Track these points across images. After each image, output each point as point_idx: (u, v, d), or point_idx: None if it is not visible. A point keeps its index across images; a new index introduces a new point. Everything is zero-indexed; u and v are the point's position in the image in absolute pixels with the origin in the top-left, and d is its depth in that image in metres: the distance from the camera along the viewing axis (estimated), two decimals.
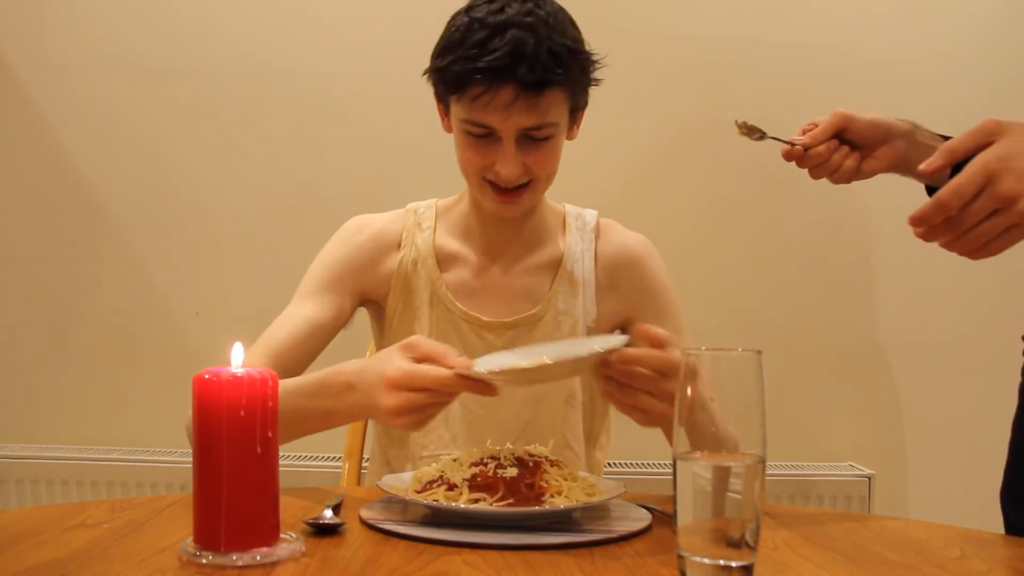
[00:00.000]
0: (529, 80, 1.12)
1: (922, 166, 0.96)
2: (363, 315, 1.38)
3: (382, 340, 1.35)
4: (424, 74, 1.23)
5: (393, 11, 2.19)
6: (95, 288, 2.20)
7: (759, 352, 0.73)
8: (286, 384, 1.10)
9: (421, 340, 0.98)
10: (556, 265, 1.32)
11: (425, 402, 0.95)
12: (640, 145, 2.20)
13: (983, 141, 0.91)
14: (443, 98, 1.24)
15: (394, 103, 2.15)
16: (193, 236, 2.20)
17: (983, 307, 2.29)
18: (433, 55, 1.22)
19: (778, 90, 2.24)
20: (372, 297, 1.34)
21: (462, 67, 1.14)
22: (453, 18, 1.21)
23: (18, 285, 2.20)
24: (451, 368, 0.93)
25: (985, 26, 2.28)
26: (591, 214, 1.38)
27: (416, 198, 1.39)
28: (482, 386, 0.92)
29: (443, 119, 1.27)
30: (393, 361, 0.96)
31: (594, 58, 1.22)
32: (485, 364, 0.94)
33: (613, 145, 2.15)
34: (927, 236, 0.93)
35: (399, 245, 1.33)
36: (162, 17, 2.19)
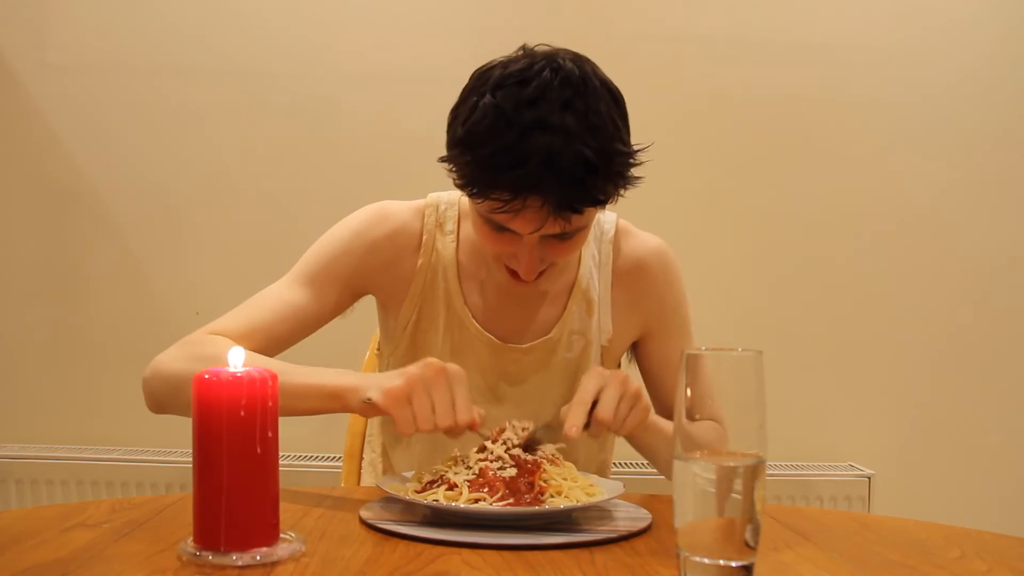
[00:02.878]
0: (560, 202, 1.01)
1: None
2: (362, 311, 1.36)
3: (391, 339, 1.30)
4: (440, 160, 1.09)
5: (393, 11, 2.19)
6: (95, 288, 2.20)
7: (759, 352, 0.73)
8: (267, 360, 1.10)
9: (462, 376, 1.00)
10: (571, 285, 1.26)
11: (426, 410, 0.97)
12: (640, 144, 2.20)
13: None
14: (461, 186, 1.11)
15: (394, 103, 2.15)
16: (193, 236, 2.20)
17: (983, 307, 2.29)
18: (452, 136, 1.08)
19: (778, 90, 2.25)
20: (382, 297, 1.29)
21: (481, 173, 1.03)
22: (476, 87, 1.06)
23: (18, 285, 2.20)
24: (457, 427, 0.98)
25: (986, 25, 2.28)
26: (610, 220, 1.31)
27: (417, 198, 1.36)
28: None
29: (462, 190, 1.12)
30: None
31: (635, 158, 1.09)
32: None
33: None
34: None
35: (419, 247, 1.25)
36: (162, 17, 2.19)
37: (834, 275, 2.27)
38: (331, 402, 1.05)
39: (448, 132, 1.09)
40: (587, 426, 1.03)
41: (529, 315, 1.25)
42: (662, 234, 1.37)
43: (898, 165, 2.27)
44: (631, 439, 1.19)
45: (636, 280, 1.28)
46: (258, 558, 0.78)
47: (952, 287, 2.29)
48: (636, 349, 1.33)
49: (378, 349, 1.38)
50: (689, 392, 0.73)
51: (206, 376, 0.79)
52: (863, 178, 2.26)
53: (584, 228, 1.11)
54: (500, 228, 1.09)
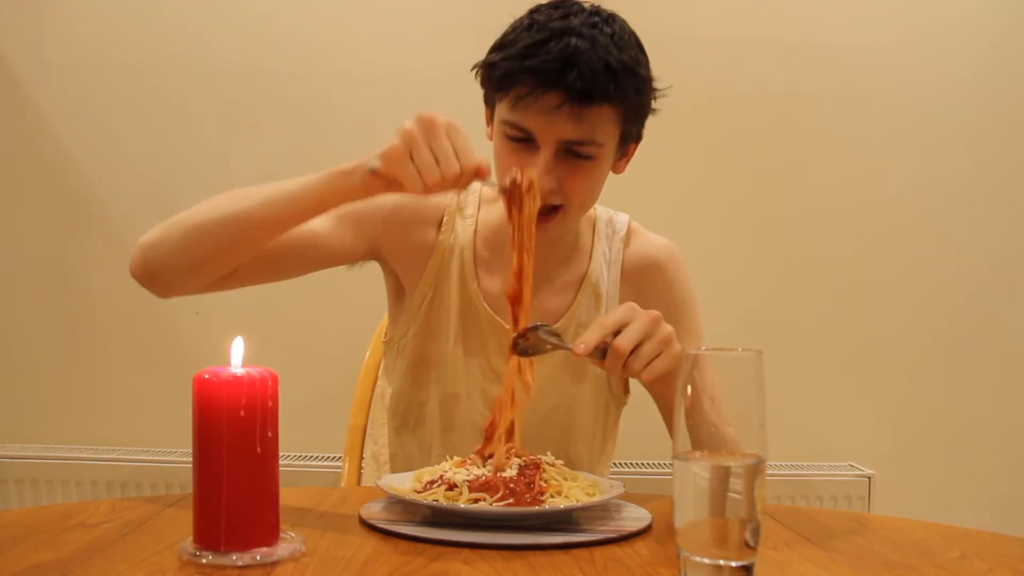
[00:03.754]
0: (578, 88, 1.06)
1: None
2: (367, 302, 1.34)
3: (401, 323, 1.30)
4: (473, 69, 1.17)
5: (394, 11, 2.19)
6: (95, 288, 2.20)
7: (759, 352, 0.73)
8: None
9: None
10: (582, 277, 1.29)
11: (430, 162, 0.96)
12: (642, 142, 2.20)
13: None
14: (489, 98, 1.18)
15: (395, 103, 2.15)
16: None
17: (983, 307, 2.29)
18: (488, 52, 1.15)
19: (778, 90, 2.25)
20: (395, 265, 1.29)
21: (510, 65, 1.09)
22: (517, 20, 1.15)
23: (17, 285, 2.20)
24: (463, 175, 0.97)
25: (986, 25, 2.28)
26: (622, 220, 1.34)
27: None
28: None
29: (488, 125, 1.21)
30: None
31: (654, 86, 1.15)
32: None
33: None
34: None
35: (440, 223, 1.28)
36: (162, 17, 2.19)
37: (834, 275, 2.27)
38: (336, 183, 1.06)
39: (486, 56, 1.16)
40: (604, 356, 0.98)
41: (539, 304, 1.26)
42: (662, 233, 1.37)
43: (899, 164, 2.27)
44: (659, 400, 1.16)
45: (644, 278, 1.30)
46: (258, 558, 0.78)
47: (953, 287, 2.29)
48: None
49: (385, 338, 1.37)
50: (690, 391, 0.73)
51: (206, 376, 0.79)
52: (864, 177, 2.26)
53: (597, 157, 1.12)
54: (521, 138, 1.12)
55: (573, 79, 1.05)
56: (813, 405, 2.25)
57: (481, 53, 1.17)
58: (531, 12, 1.14)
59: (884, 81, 2.27)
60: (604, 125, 1.11)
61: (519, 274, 1.06)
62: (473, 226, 1.29)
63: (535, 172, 1.08)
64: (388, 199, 1.22)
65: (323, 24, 2.20)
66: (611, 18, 1.14)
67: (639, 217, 1.38)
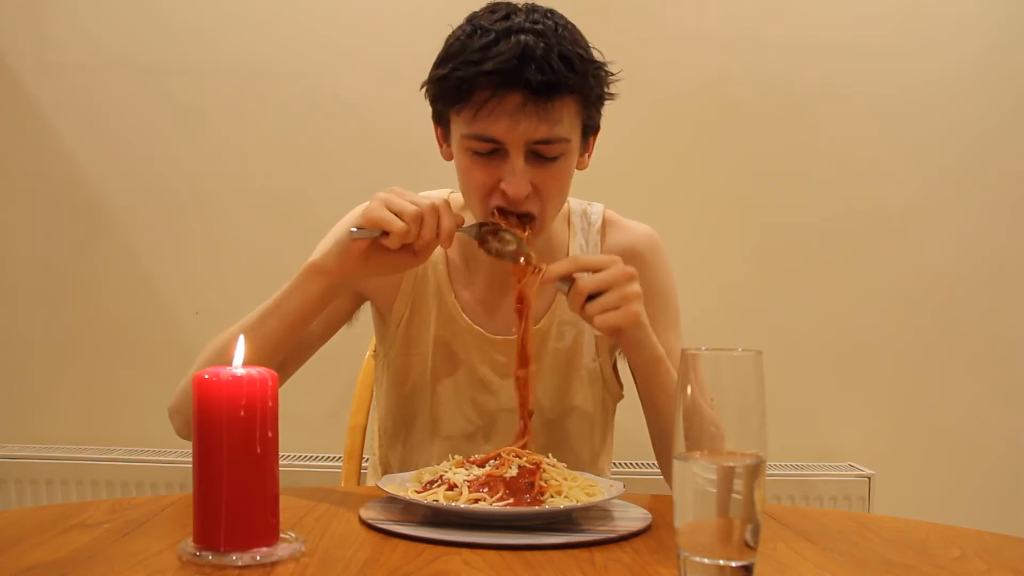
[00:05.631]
0: (539, 81, 1.03)
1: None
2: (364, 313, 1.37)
3: (385, 340, 1.32)
4: (422, 88, 1.14)
5: (394, 11, 2.19)
6: (95, 288, 2.20)
7: (759, 352, 0.73)
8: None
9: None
10: None
11: (408, 206, 1.02)
12: (640, 143, 2.20)
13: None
14: (442, 116, 1.16)
15: (395, 103, 2.15)
16: (193, 236, 2.20)
17: (983, 307, 2.29)
18: (432, 69, 1.13)
19: (777, 89, 2.25)
20: (377, 298, 1.30)
21: (465, 72, 1.06)
22: (453, 31, 1.13)
23: (18, 285, 2.20)
24: (439, 215, 1.04)
25: (987, 25, 2.28)
26: (597, 211, 1.33)
27: None
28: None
29: (441, 146, 1.20)
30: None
31: (608, 70, 1.14)
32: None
33: (612, 143, 2.14)
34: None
35: None
36: (162, 17, 2.19)
37: (834, 275, 2.27)
38: (313, 275, 1.10)
39: (429, 74, 1.14)
40: (570, 288, 1.04)
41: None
42: (661, 232, 1.37)
43: (898, 162, 2.27)
44: (635, 372, 1.18)
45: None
46: (258, 558, 0.78)
47: (953, 286, 2.29)
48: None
49: (374, 352, 1.39)
50: (689, 391, 0.73)
51: (206, 376, 0.79)
52: (863, 177, 2.26)
53: (565, 154, 1.11)
54: (487, 152, 1.10)
55: (532, 74, 1.03)
56: (813, 405, 2.25)
57: None
58: (469, 20, 1.12)
59: (883, 81, 2.26)
60: (568, 118, 1.10)
61: (524, 339, 1.09)
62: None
63: (535, 256, 1.09)
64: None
65: (324, 24, 2.20)
66: (550, 12, 1.12)
67: (638, 217, 1.38)
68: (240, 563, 0.77)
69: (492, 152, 1.10)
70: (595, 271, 1.04)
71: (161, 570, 0.76)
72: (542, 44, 1.05)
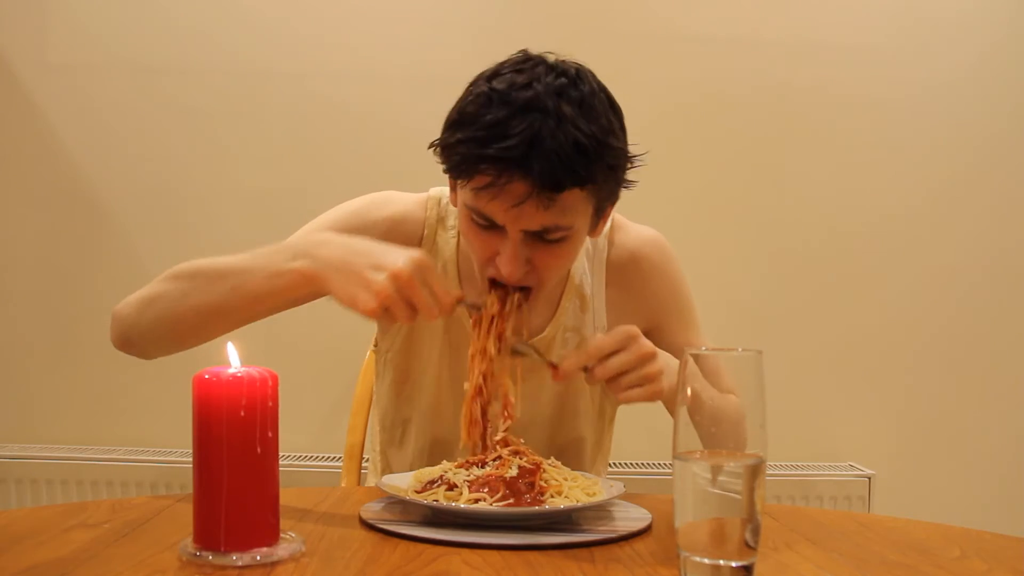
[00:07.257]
0: (544, 178, 0.96)
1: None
2: None
3: (387, 336, 1.29)
4: (430, 147, 1.06)
5: (392, 13, 2.19)
6: (95, 288, 2.20)
7: (759, 352, 0.73)
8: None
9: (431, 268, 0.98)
10: (564, 281, 1.24)
11: (417, 302, 0.95)
12: (640, 143, 2.20)
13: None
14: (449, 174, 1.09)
15: (394, 104, 2.15)
16: (193, 236, 2.20)
17: (983, 306, 2.29)
18: (446, 122, 1.05)
19: (777, 89, 2.25)
20: None
21: (469, 150, 0.99)
22: (474, 82, 1.04)
23: (18, 285, 2.20)
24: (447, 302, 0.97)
25: (987, 25, 2.28)
26: None
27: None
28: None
29: (452, 192, 1.13)
30: (398, 256, 0.95)
31: (630, 155, 1.06)
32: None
33: None
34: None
35: (420, 239, 1.22)
36: (162, 17, 2.19)
37: (834, 275, 2.27)
38: (305, 279, 1.06)
39: (443, 129, 1.07)
40: (587, 370, 1.01)
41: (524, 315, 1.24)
42: (661, 231, 1.36)
43: (898, 163, 2.27)
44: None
45: (632, 273, 1.26)
46: (258, 558, 0.78)
47: (953, 286, 2.29)
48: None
49: (374, 345, 1.37)
50: (689, 391, 0.73)
51: (206, 376, 0.79)
52: (863, 177, 2.26)
53: (570, 237, 1.05)
54: (486, 226, 1.04)
55: (539, 167, 0.95)
56: (813, 405, 2.25)
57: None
58: (489, 79, 1.02)
59: (883, 80, 2.27)
60: (575, 207, 1.02)
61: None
62: (456, 238, 1.23)
63: (509, 385, 1.06)
64: (358, 220, 1.21)
65: (324, 24, 2.20)
66: (579, 78, 1.02)
67: (638, 218, 1.38)
68: (240, 563, 0.77)
69: (492, 227, 1.04)
70: (610, 354, 0.98)
71: (161, 570, 0.76)
72: (556, 128, 0.96)
